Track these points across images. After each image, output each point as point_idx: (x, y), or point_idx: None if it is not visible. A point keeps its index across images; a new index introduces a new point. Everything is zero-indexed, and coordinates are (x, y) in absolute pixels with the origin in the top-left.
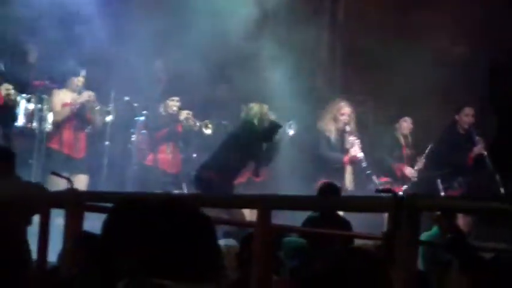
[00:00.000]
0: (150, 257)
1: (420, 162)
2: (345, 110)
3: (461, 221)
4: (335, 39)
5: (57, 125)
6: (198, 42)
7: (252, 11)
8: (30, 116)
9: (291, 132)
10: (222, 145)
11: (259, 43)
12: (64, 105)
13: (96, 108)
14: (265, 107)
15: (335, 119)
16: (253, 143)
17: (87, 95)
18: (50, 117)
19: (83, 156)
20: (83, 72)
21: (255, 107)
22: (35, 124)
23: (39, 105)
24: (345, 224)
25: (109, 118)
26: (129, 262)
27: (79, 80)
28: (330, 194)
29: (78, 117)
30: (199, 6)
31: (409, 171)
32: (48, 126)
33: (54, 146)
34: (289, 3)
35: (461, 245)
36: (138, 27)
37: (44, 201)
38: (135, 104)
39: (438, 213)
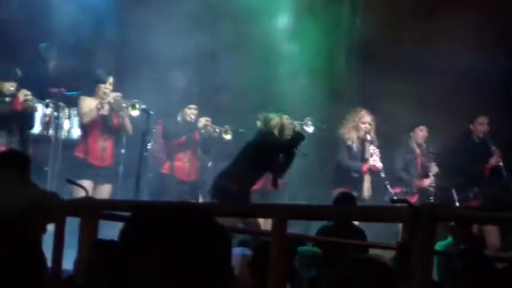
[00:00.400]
0: (165, 264)
1: (434, 168)
2: (366, 119)
3: (493, 233)
4: (353, 46)
5: (84, 132)
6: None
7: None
8: (46, 123)
9: (310, 129)
10: (240, 154)
11: (279, 48)
12: (91, 109)
13: (124, 108)
14: (285, 117)
15: (357, 128)
16: (272, 154)
17: (114, 95)
18: (67, 124)
19: (109, 164)
20: (110, 79)
21: (275, 118)
22: (51, 131)
23: (56, 113)
24: (360, 234)
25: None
26: (145, 270)
27: (106, 88)
28: (346, 203)
29: (105, 124)
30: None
31: (427, 182)
32: (65, 133)
33: (79, 154)
34: (311, 10)
35: (475, 255)
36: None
37: (59, 209)
38: (151, 112)
39: (452, 223)
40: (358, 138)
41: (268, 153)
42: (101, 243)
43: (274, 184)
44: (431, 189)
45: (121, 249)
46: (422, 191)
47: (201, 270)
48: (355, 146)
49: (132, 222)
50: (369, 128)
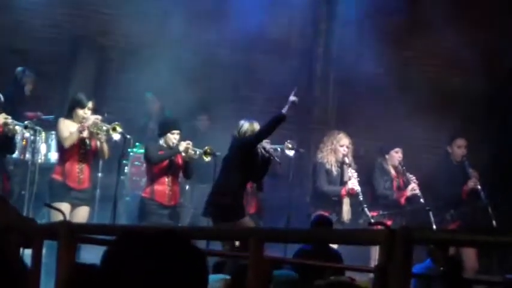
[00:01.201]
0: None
1: (413, 179)
2: (344, 141)
3: (471, 256)
4: (328, 71)
5: (62, 154)
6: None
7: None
8: (23, 147)
9: (291, 153)
10: (223, 169)
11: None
12: (71, 132)
13: (104, 131)
14: (256, 124)
15: (335, 151)
16: (251, 154)
17: (94, 117)
18: (44, 148)
19: (87, 187)
20: (90, 104)
21: (245, 124)
22: (28, 155)
23: (33, 137)
24: (336, 256)
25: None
26: None
27: (85, 112)
28: (323, 226)
29: (83, 147)
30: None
31: (409, 188)
32: (42, 157)
33: (57, 177)
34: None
35: (454, 278)
36: None
37: (36, 233)
38: (128, 136)
39: (431, 246)
40: (337, 161)
41: (247, 154)
42: (82, 268)
43: (260, 187)
44: (416, 192)
45: (102, 273)
46: (400, 213)
47: None
48: (334, 170)
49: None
50: (347, 151)
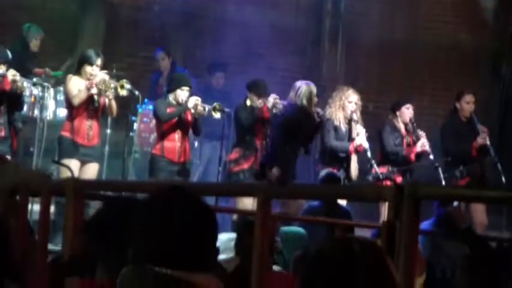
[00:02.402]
0: (152, 245)
1: (423, 134)
2: (353, 98)
3: (480, 212)
4: (337, 27)
5: (70, 111)
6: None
7: None
8: (32, 104)
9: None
10: (277, 139)
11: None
12: (80, 90)
13: (112, 88)
14: (312, 86)
15: (343, 107)
16: (306, 124)
17: (102, 74)
18: (52, 105)
19: (96, 144)
20: (98, 61)
21: (303, 87)
22: (36, 112)
23: (41, 94)
24: (345, 214)
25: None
26: (132, 250)
27: (93, 69)
28: (332, 183)
29: (92, 104)
30: None
31: (419, 144)
32: (50, 114)
33: (66, 134)
34: None
35: (474, 236)
36: None
37: (44, 189)
38: (136, 92)
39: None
40: (345, 117)
41: (303, 125)
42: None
43: (307, 151)
44: (426, 148)
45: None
46: (409, 169)
47: (188, 249)
48: (342, 126)
49: (122, 204)
50: (355, 107)
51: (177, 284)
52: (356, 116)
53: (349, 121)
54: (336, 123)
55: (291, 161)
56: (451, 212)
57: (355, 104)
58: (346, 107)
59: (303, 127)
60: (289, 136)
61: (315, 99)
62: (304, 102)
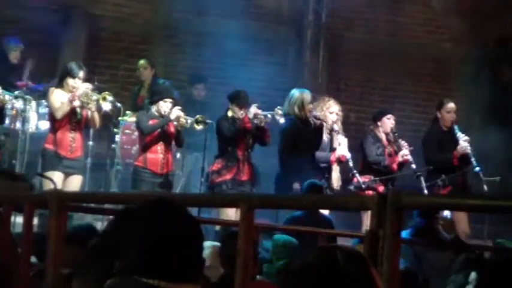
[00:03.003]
0: (140, 256)
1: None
2: (334, 109)
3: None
4: (319, 37)
5: (53, 124)
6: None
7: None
8: (14, 116)
9: (282, 120)
10: (285, 155)
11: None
12: (63, 102)
13: (94, 101)
14: (305, 94)
15: (324, 117)
16: (305, 131)
17: (84, 87)
18: (34, 117)
19: (79, 156)
20: (81, 74)
21: (295, 94)
22: (18, 125)
23: (23, 106)
24: (328, 223)
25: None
26: (119, 262)
27: (75, 82)
28: (314, 192)
29: (75, 116)
30: None
31: (400, 153)
32: (32, 126)
33: (49, 146)
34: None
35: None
36: None
37: (27, 200)
38: (118, 105)
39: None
40: (326, 128)
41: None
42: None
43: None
44: (408, 158)
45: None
46: (391, 179)
47: (175, 260)
48: (324, 136)
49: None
50: (336, 118)
51: None
52: (337, 127)
53: (330, 131)
54: None
55: (305, 171)
56: (442, 222)
57: (336, 114)
58: (327, 117)
59: (303, 136)
60: (293, 149)
61: (309, 106)
62: (296, 110)
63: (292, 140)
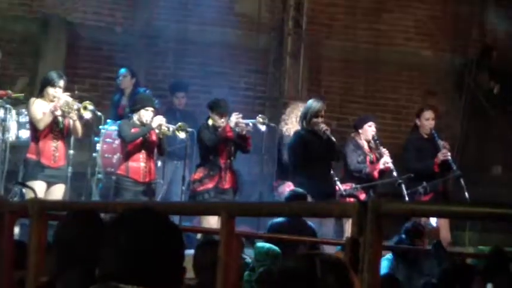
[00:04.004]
0: (119, 263)
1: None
2: None
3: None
4: (299, 45)
5: (35, 133)
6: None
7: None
8: None
9: (263, 127)
10: (295, 168)
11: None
12: (44, 113)
13: (75, 110)
14: (313, 105)
15: (297, 122)
16: (313, 144)
17: (65, 96)
18: (14, 126)
19: (62, 165)
20: (61, 83)
21: (315, 103)
22: None
23: (3, 115)
24: (310, 231)
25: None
26: (99, 269)
27: (56, 91)
28: (297, 200)
29: (57, 126)
30: None
31: (382, 161)
32: (12, 136)
33: (32, 156)
34: (253, 13)
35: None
36: None
37: (7, 210)
38: (99, 113)
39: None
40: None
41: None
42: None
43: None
44: (389, 165)
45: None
46: (373, 186)
47: (156, 267)
48: None
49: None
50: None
51: None
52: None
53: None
54: None
55: (318, 183)
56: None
57: None
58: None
59: (310, 149)
60: (302, 162)
61: (316, 119)
62: (304, 124)
63: (301, 155)
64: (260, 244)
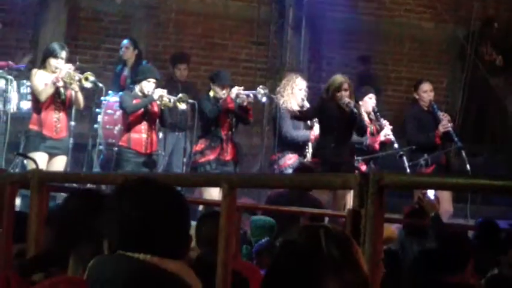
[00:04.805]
0: (123, 232)
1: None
2: (302, 85)
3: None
4: (300, 16)
5: (37, 105)
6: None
7: None
8: None
9: (264, 99)
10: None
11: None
12: (46, 84)
13: (76, 81)
14: (337, 79)
15: (293, 94)
16: (331, 115)
17: (67, 67)
18: (15, 98)
19: (64, 136)
20: (63, 54)
21: (338, 77)
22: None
23: (4, 86)
24: (314, 202)
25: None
26: (107, 240)
27: (58, 62)
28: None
29: (59, 97)
30: None
31: (382, 133)
32: (13, 107)
33: (34, 127)
34: None
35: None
36: None
37: (7, 181)
38: (100, 85)
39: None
40: (297, 105)
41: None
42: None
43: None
44: (390, 137)
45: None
46: (374, 158)
47: (162, 235)
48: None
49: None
50: (306, 94)
51: (151, 270)
52: (308, 104)
53: (301, 108)
54: (292, 111)
55: (334, 152)
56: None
57: (305, 90)
58: (296, 94)
59: (328, 118)
60: (323, 127)
61: (338, 93)
62: (324, 95)
63: (318, 119)
64: (255, 218)
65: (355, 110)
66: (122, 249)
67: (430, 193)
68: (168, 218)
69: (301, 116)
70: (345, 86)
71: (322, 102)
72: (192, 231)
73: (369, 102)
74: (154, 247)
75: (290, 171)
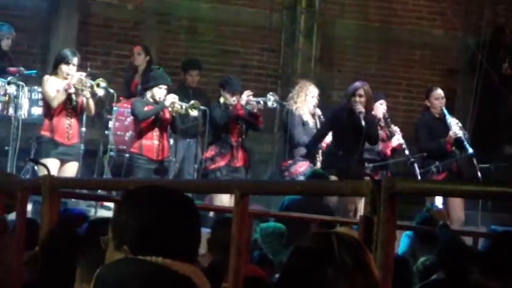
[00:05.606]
0: (133, 235)
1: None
2: (314, 92)
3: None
4: (312, 23)
5: (48, 111)
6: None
7: None
8: (6, 102)
9: (274, 105)
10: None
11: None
12: (58, 91)
13: (88, 87)
14: (358, 86)
15: (306, 101)
16: (347, 122)
17: (79, 74)
18: (26, 103)
19: (75, 143)
20: (75, 60)
21: (356, 83)
22: (11, 111)
23: (15, 92)
24: (325, 209)
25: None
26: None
27: (69, 69)
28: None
29: (70, 103)
30: None
31: (395, 141)
32: (24, 113)
33: (46, 133)
34: None
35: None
36: None
37: (19, 187)
38: (112, 91)
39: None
40: (309, 112)
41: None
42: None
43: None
44: (401, 143)
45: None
46: (385, 165)
47: (174, 239)
48: (309, 121)
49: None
50: (317, 102)
51: (163, 272)
52: (320, 111)
53: (313, 116)
54: (304, 118)
55: (341, 160)
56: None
57: (317, 98)
58: (309, 101)
59: (339, 126)
60: (334, 135)
61: (353, 98)
62: (342, 101)
63: (333, 127)
64: (265, 225)
65: (362, 123)
66: (131, 251)
67: (438, 202)
68: (178, 221)
69: (320, 135)
70: (360, 91)
71: (334, 111)
72: (204, 239)
73: (379, 108)
74: (165, 250)
75: (301, 178)
